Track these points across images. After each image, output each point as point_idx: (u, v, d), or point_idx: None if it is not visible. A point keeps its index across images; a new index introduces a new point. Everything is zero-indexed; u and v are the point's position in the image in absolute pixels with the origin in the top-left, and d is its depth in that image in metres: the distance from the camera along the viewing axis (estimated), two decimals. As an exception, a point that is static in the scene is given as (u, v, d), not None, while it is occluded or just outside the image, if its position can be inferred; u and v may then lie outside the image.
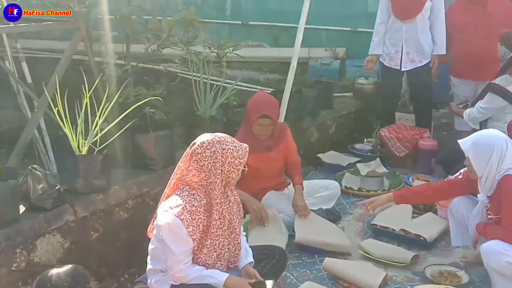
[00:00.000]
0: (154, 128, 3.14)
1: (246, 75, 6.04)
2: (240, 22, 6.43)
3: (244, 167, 2.29)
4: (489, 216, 2.66)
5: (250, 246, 2.52)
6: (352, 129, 5.15)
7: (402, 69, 4.42)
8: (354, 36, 5.81)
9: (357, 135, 5.09)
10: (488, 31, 4.05)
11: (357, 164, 3.97)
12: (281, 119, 3.70)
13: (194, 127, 3.43)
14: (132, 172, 3.09)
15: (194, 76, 3.70)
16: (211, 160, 2.21)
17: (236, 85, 5.65)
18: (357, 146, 4.50)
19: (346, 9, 5.80)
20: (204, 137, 2.27)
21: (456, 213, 2.92)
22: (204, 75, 3.70)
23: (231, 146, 2.25)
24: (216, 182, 2.21)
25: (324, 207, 3.41)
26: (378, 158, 4.03)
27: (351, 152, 4.45)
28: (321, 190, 3.50)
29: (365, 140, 4.58)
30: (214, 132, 3.33)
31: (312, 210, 3.38)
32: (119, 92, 3.09)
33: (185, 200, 2.20)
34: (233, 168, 2.24)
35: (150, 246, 2.32)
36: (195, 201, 2.21)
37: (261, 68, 6.20)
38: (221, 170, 2.21)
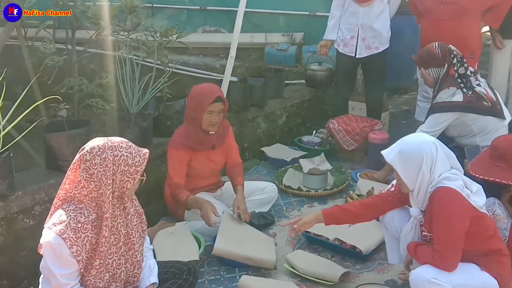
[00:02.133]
0: (73, 125, 2.90)
1: (202, 61, 5.79)
2: (198, 7, 6.14)
3: (142, 176, 2.07)
4: (424, 233, 2.37)
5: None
6: (306, 119, 4.95)
7: (357, 56, 4.17)
8: (313, 21, 5.53)
9: (311, 125, 4.89)
10: (459, 12, 3.75)
11: (300, 160, 3.75)
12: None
13: (116, 123, 3.18)
14: (43, 174, 2.85)
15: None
16: (101, 168, 1.96)
17: (186, 71, 5.50)
18: (305, 138, 4.28)
19: (305, -8, 5.52)
20: (95, 142, 2.01)
21: (390, 227, 2.60)
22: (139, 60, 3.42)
23: (125, 152, 2.00)
24: (106, 194, 1.97)
25: (257, 211, 3.22)
26: (322, 153, 3.81)
27: (298, 145, 4.24)
28: (256, 192, 3.28)
29: (314, 132, 4.36)
30: (139, 129, 3.22)
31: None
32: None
33: (70, 215, 1.96)
34: (127, 177, 2.00)
35: (41, 265, 2.10)
36: (81, 217, 1.97)
37: (219, 54, 5.94)
38: (113, 180, 1.97)
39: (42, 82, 4.12)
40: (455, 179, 2.26)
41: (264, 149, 4.12)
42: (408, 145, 2.31)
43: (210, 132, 3.04)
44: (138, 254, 2.14)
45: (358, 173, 3.77)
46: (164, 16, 6.17)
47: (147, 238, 2.32)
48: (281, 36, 5.62)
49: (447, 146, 2.42)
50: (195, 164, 3.09)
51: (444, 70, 3.33)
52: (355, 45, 4.14)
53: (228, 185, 3.30)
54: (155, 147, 3.37)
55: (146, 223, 2.24)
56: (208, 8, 6.05)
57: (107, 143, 2.00)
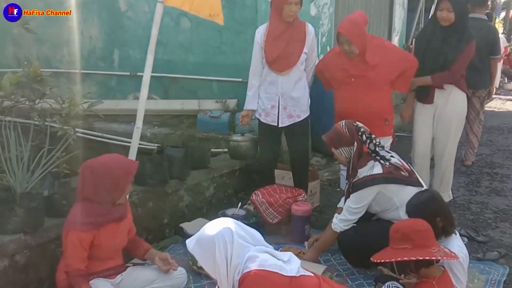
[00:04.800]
0: None
1: (132, 129, 5.53)
2: (128, 73, 5.99)
3: None
4: None
5: None
6: (238, 189, 4.70)
7: (280, 125, 4.02)
8: (246, 87, 5.43)
9: (244, 195, 4.63)
10: (370, 84, 3.70)
11: (217, 237, 3.46)
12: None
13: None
14: None
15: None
16: None
17: (115, 139, 5.25)
18: (229, 212, 4.00)
19: (237, 59, 5.44)
20: None
21: None
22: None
23: None
24: None
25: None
26: (241, 229, 3.53)
27: (222, 219, 3.96)
28: (159, 279, 2.93)
29: (239, 204, 4.10)
30: (25, 211, 2.84)
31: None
32: None
33: None
34: None
35: None
36: None
37: (151, 122, 5.73)
38: None
39: None
40: (258, 256, 2.11)
41: (183, 225, 3.81)
42: (204, 233, 2.19)
43: (118, 203, 2.79)
44: None
45: (280, 249, 3.48)
46: (93, 83, 5.99)
47: None
48: (214, 103, 5.49)
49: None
50: (99, 242, 2.75)
51: (355, 148, 3.21)
52: (276, 114, 4.00)
53: (130, 270, 2.97)
54: (47, 230, 3.04)
55: None
56: (138, 74, 5.87)
57: None
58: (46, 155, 3.10)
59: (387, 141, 3.73)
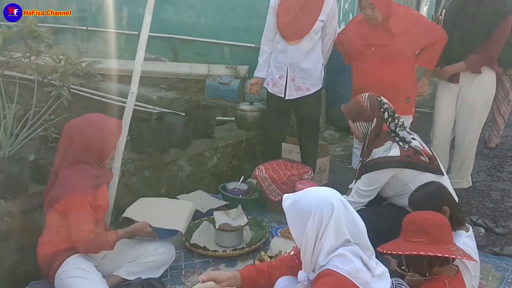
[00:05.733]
0: None
1: (138, 91, 5.28)
2: (136, 32, 5.68)
3: None
4: None
5: None
6: (243, 161, 4.45)
7: (287, 98, 3.73)
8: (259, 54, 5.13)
9: (250, 167, 4.39)
10: (392, 54, 3.37)
11: (214, 212, 3.25)
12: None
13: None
14: None
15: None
16: None
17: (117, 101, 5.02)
18: (230, 185, 3.79)
19: (251, 23, 5.10)
20: None
21: None
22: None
23: None
24: None
25: (145, 277, 2.69)
26: (240, 206, 3.31)
27: (222, 193, 3.74)
28: (145, 254, 2.75)
29: (241, 178, 3.87)
30: (7, 176, 2.59)
31: (127, 279, 2.68)
32: None
33: None
34: None
35: None
36: None
37: (159, 85, 5.48)
38: None
39: None
40: (351, 260, 1.83)
41: (180, 197, 3.59)
42: (304, 197, 1.95)
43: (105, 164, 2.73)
44: None
45: (279, 230, 3.27)
46: (100, 41, 5.73)
47: None
48: (224, 68, 5.18)
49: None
50: (96, 206, 2.59)
51: (374, 125, 2.92)
52: (284, 85, 3.70)
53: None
54: (31, 197, 2.85)
55: None
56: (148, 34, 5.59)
57: None
58: (32, 117, 2.89)
59: (407, 121, 3.41)
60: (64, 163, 2.59)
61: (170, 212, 2.94)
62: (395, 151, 2.87)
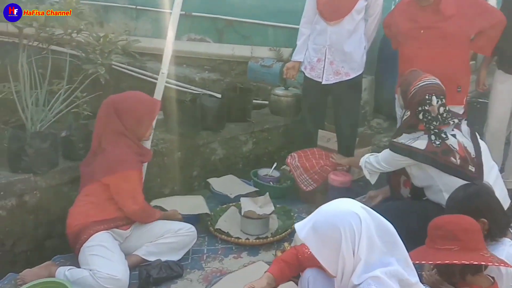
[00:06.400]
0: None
1: (182, 72, 5.31)
2: (183, 12, 5.65)
3: None
4: None
5: None
6: (282, 147, 4.34)
7: (324, 82, 3.55)
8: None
9: (286, 154, 4.28)
10: (443, 38, 3.12)
11: (241, 199, 3.18)
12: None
13: (8, 143, 2.73)
14: None
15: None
16: None
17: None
18: (262, 172, 3.70)
19: (297, 3, 4.91)
20: None
21: None
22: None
23: None
24: None
25: (165, 259, 2.67)
26: (267, 194, 3.22)
27: (253, 179, 3.67)
28: (167, 234, 2.74)
29: (274, 164, 3.77)
30: (36, 151, 2.65)
31: (146, 260, 2.68)
32: None
33: None
34: None
35: None
36: None
37: (203, 66, 5.45)
38: None
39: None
40: (387, 284, 1.61)
41: (211, 180, 3.56)
42: (322, 218, 1.69)
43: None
44: None
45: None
46: (149, 20, 5.75)
47: None
48: (267, 50, 5.07)
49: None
50: (140, 181, 2.73)
51: (407, 116, 2.76)
52: (322, 69, 3.53)
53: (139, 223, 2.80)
54: (60, 172, 2.90)
55: None
56: (193, 14, 5.54)
57: None
58: (65, 92, 2.92)
59: (457, 112, 3.16)
60: (105, 138, 2.62)
61: (191, 202, 2.97)
62: (420, 143, 2.67)
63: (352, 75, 3.52)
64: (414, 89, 2.73)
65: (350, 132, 3.70)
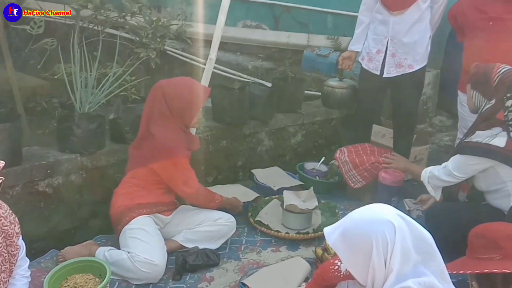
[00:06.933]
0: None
1: (235, 60, 5.26)
2: (235, -3, 5.60)
3: None
4: None
5: None
6: (332, 140, 4.21)
7: (385, 75, 3.38)
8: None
9: (337, 148, 4.13)
10: None
11: (284, 192, 3.08)
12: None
13: (58, 123, 2.78)
14: None
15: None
16: None
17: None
18: (308, 165, 3.59)
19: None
20: None
21: None
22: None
23: None
24: None
25: (202, 247, 2.65)
26: (312, 188, 3.11)
27: (299, 172, 3.56)
28: (205, 223, 2.71)
29: (322, 158, 3.65)
30: (83, 132, 2.70)
31: (184, 246, 2.67)
32: None
33: None
34: None
35: None
36: None
37: (257, 54, 5.37)
38: None
39: (29, 66, 3.89)
40: None
41: (255, 171, 3.49)
42: (352, 224, 1.58)
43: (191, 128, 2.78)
44: None
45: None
46: (205, 4, 5.71)
47: (22, 264, 1.96)
48: (325, 39, 4.91)
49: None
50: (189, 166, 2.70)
51: (489, 105, 2.53)
52: (381, 61, 3.35)
53: (181, 209, 2.79)
54: (107, 154, 2.93)
55: (19, 245, 1.88)
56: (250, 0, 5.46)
57: None
58: (114, 75, 2.93)
59: None
60: (153, 123, 2.60)
61: (235, 190, 2.93)
62: (499, 141, 2.45)
63: (416, 68, 3.32)
64: (498, 75, 2.52)
65: (409, 128, 3.51)
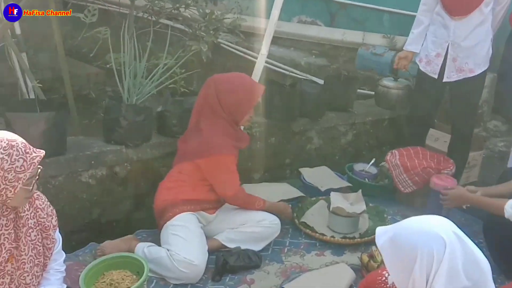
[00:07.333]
0: (48, 108, 2.58)
1: (288, 55, 5.16)
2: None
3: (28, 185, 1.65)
4: None
5: None
6: (383, 141, 4.04)
7: (445, 80, 3.19)
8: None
9: (388, 150, 3.97)
10: None
11: (332, 193, 2.97)
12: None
13: (105, 113, 2.78)
14: None
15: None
16: None
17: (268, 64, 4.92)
18: (358, 167, 3.45)
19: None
20: None
21: None
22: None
23: (4, 154, 1.59)
24: None
25: (244, 247, 2.58)
26: (360, 191, 2.98)
27: (348, 174, 3.43)
28: (248, 223, 2.64)
29: (372, 160, 3.50)
30: (130, 123, 2.70)
31: (226, 246, 2.61)
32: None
33: None
34: (5, 184, 1.61)
35: None
36: None
37: (311, 50, 5.25)
38: None
39: (82, 55, 3.94)
40: None
41: (303, 170, 3.39)
42: (404, 231, 1.49)
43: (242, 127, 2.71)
44: (28, 276, 1.76)
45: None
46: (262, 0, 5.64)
47: (57, 258, 1.93)
48: (380, 37, 4.72)
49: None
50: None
51: None
52: (439, 65, 3.17)
53: (224, 208, 2.73)
54: (152, 147, 2.91)
55: (55, 239, 1.87)
56: (305, -5, 5.33)
57: None
58: (163, 67, 2.90)
59: None
60: (203, 117, 2.57)
61: (280, 188, 2.83)
62: None
63: (477, 72, 3.13)
64: None
65: (467, 134, 3.31)
